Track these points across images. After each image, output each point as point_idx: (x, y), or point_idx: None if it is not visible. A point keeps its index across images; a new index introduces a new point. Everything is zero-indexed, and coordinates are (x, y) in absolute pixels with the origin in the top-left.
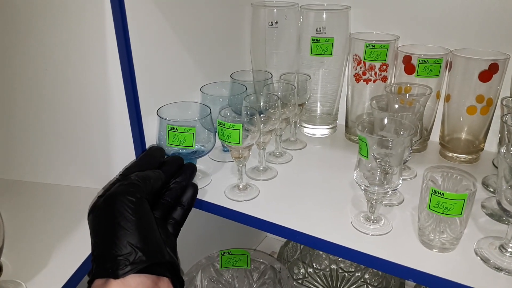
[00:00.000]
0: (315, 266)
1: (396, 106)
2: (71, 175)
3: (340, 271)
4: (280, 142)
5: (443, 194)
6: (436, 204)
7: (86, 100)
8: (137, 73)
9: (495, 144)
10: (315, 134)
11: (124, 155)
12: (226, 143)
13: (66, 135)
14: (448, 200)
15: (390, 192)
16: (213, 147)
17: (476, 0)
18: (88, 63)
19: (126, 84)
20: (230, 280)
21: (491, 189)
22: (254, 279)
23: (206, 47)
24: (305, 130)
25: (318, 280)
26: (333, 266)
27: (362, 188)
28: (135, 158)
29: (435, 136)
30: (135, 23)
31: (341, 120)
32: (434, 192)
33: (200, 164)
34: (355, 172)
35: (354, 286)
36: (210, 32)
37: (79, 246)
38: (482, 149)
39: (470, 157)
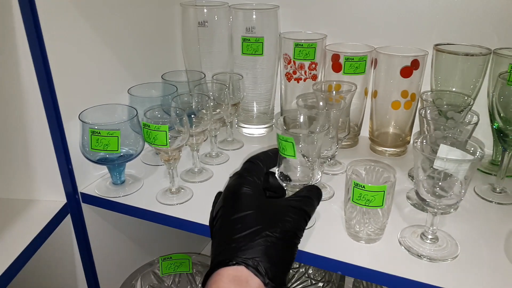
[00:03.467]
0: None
1: (321, 103)
2: None
3: None
4: (216, 143)
5: (364, 186)
6: (358, 197)
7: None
8: (54, 75)
9: None
10: (253, 134)
11: (45, 162)
12: (153, 145)
13: None
14: (369, 192)
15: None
16: (142, 150)
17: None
18: None
19: (42, 88)
20: (173, 286)
21: (415, 180)
22: (197, 283)
23: (133, 47)
24: (243, 130)
25: None
26: None
27: (284, 185)
28: (57, 165)
29: (365, 131)
30: (48, 21)
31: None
32: (356, 185)
33: (131, 168)
34: (276, 170)
35: (299, 281)
36: (138, 32)
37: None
38: (408, 142)
39: (398, 150)
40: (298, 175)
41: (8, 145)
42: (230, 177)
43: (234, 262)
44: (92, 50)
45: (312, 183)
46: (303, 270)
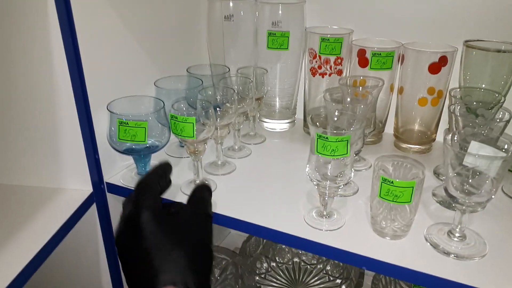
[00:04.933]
0: (277, 260)
1: (349, 99)
2: (18, 174)
3: (302, 264)
4: (239, 137)
5: (392, 182)
6: (386, 192)
7: (32, 95)
8: (85, 66)
9: None
10: (275, 129)
11: (73, 152)
12: (180, 137)
13: (11, 132)
14: (398, 188)
15: (342, 186)
16: (167, 142)
17: None
18: (32, 56)
19: (73, 78)
20: None
21: (442, 178)
22: (216, 275)
23: (160, 40)
24: (265, 124)
25: (281, 273)
26: (296, 259)
27: (315, 183)
28: (85, 155)
29: (389, 128)
30: (82, 14)
31: (299, 114)
32: (384, 180)
33: (156, 160)
34: (307, 166)
35: (316, 277)
36: (165, 25)
37: (26, 245)
38: (434, 140)
39: (423, 147)
40: (330, 172)
41: (38, 133)
42: (124, 205)
43: (162, 285)
44: (121, 42)
45: (345, 181)
46: (321, 266)
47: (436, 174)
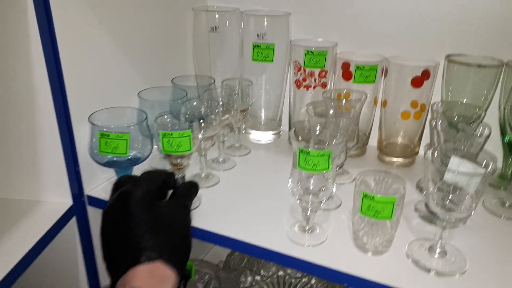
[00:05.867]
0: (262, 274)
1: (331, 111)
2: None
3: (287, 277)
4: (223, 148)
5: (373, 197)
6: (367, 208)
7: (10, 105)
8: (66, 77)
9: None
10: (260, 140)
11: (53, 163)
12: (177, 153)
13: None
14: (379, 203)
15: (324, 200)
16: (150, 154)
17: (410, 9)
18: (10, 66)
19: (53, 88)
20: None
21: (424, 192)
22: None
23: (145, 51)
24: (251, 136)
25: (266, 287)
26: (281, 273)
27: (297, 197)
28: (65, 167)
29: (373, 141)
30: (63, 23)
31: (285, 126)
32: (365, 196)
33: (138, 172)
34: (289, 181)
35: None
36: (150, 35)
37: (3, 257)
38: (417, 153)
39: (406, 160)
40: (312, 187)
41: (17, 144)
42: (124, 180)
43: (149, 258)
44: (104, 52)
45: (327, 196)
46: (306, 279)
47: (419, 188)
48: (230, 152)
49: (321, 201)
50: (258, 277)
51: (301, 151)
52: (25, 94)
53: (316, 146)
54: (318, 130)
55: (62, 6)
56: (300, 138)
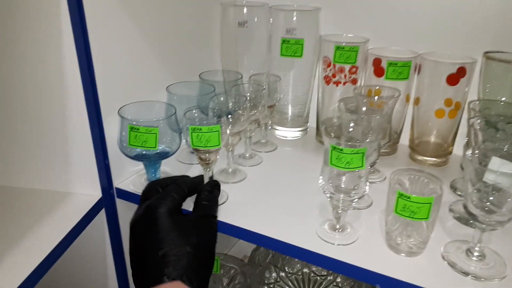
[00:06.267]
0: (287, 270)
1: (364, 108)
2: (27, 177)
3: (312, 274)
4: (250, 144)
5: (409, 197)
6: (402, 208)
7: (43, 98)
8: (96, 71)
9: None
10: (287, 137)
11: (83, 156)
12: (205, 148)
13: (21, 136)
14: (415, 203)
15: (356, 199)
16: (178, 149)
17: (446, 4)
18: (43, 59)
19: (84, 82)
20: None
21: (459, 193)
22: (224, 284)
23: (173, 45)
24: (277, 132)
25: (290, 284)
26: (305, 270)
27: (328, 195)
28: (95, 159)
29: (404, 139)
30: (94, 18)
31: (312, 123)
32: (401, 195)
33: (166, 166)
34: (320, 178)
35: None
36: (178, 30)
37: (33, 250)
38: (450, 153)
39: (439, 160)
40: (344, 185)
41: (48, 137)
42: (150, 188)
43: (170, 278)
44: (133, 46)
45: (359, 195)
46: (331, 278)
47: (453, 188)
48: (256, 148)
49: (353, 200)
50: (282, 274)
51: (333, 148)
52: (56, 87)
53: (348, 143)
54: (351, 127)
55: (93, 1)
56: (332, 134)
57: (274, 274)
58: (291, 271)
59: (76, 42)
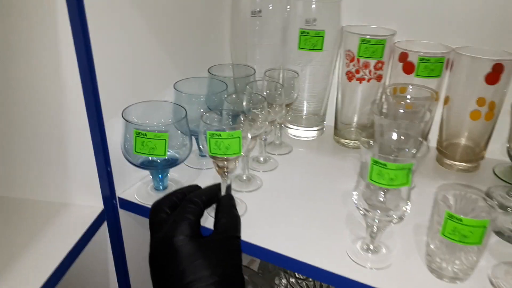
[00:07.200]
0: (297, 276)
1: (401, 111)
2: (24, 187)
3: None
4: (265, 146)
5: (461, 220)
6: (452, 231)
7: (38, 99)
8: (97, 67)
9: (497, 152)
10: (301, 136)
11: (82, 163)
12: (225, 155)
13: (16, 141)
14: (467, 226)
15: (396, 220)
16: (188, 155)
17: None
18: (38, 56)
19: (84, 80)
20: None
21: (496, 203)
22: None
23: (180, 37)
24: (290, 131)
25: None
26: None
27: (362, 213)
28: (95, 167)
29: (432, 141)
30: (94, 7)
31: (329, 121)
32: (450, 217)
33: (174, 171)
34: (354, 194)
35: None
36: (185, 21)
37: (35, 263)
38: (482, 157)
39: (469, 165)
40: (384, 203)
41: (45, 143)
42: (157, 212)
43: None
44: (137, 39)
45: (399, 215)
46: None
47: (489, 197)
48: (270, 150)
49: (392, 220)
50: (293, 280)
51: (375, 162)
52: (53, 88)
53: (391, 157)
54: (386, 134)
55: None
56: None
57: (284, 281)
58: (301, 277)
59: (74, 35)
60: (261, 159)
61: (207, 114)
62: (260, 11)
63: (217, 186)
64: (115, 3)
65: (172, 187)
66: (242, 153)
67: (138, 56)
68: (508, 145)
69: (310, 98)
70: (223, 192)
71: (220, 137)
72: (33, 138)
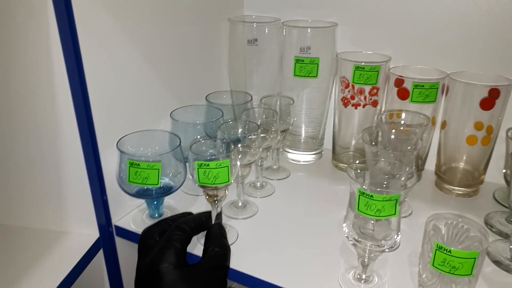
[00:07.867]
0: None
1: (392, 137)
2: (19, 215)
3: None
4: (262, 171)
5: (450, 251)
6: (441, 262)
7: (33, 130)
8: (92, 99)
9: (497, 176)
10: (299, 161)
11: (78, 192)
12: (213, 185)
13: (11, 170)
14: (456, 258)
15: (387, 249)
16: (183, 182)
17: (476, 19)
18: (33, 86)
19: (78, 112)
20: None
21: (495, 230)
22: None
23: (176, 67)
24: (289, 155)
25: None
26: None
27: (351, 242)
28: (91, 196)
29: (430, 165)
30: (88, 36)
31: (327, 145)
32: (439, 248)
33: (170, 198)
34: (344, 225)
35: None
36: (183, 49)
37: None
38: (482, 182)
39: (469, 190)
40: (374, 234)
41: (40, 172)
42: (145, 239)
43: None
44: (132, 69)
45: (390, 246)
46: None
47: (489, 225)
48: (268, 175)
49: (383, 250)
50: None
51: (362, 193)
52: (48, 118)
53: (378, 190)
54: (376, 161)
55: (86, 20)
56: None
57: None
58: None
59: (68, 66)
60: (258, 184)
61: (201, 141)
62: (256, 40)
63: (207, 213)
64: (109, 34)
65: (167, 214)
66: (232, 181)
67: (134, 86)
68: (504, 170)
69: (308, 123)
70: (213, 221)
71: (208, 167)
72: (30, 168)
